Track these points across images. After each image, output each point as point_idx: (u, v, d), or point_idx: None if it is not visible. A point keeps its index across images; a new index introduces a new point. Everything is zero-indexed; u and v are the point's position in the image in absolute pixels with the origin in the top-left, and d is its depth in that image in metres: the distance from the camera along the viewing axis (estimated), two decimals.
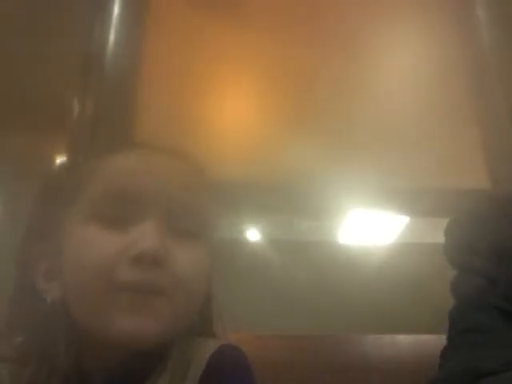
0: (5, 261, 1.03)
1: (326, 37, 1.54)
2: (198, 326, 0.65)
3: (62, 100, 1.52)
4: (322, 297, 1.52)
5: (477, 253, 0.70)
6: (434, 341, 0.76)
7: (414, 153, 1.42)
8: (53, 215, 0.62)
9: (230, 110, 1.45)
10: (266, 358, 0.96)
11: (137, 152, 0.65)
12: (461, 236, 0.73)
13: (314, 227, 2.42)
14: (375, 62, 1.52)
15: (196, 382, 0.60)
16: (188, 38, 1.49)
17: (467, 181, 1.40)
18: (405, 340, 1.01)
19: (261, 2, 1.59)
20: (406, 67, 1.53)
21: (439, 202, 1.38)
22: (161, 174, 0.62)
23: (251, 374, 0.63)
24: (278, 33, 1.53)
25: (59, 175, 0.70)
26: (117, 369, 0.59)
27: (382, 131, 1.43)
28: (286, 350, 1.02)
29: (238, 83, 1.48)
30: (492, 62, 1.51)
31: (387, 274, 1.23)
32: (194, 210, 0.62)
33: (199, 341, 0.64)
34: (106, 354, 0.59)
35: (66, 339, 0.57)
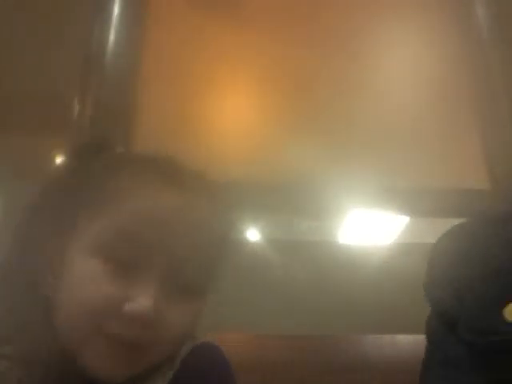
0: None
1: (326, 37, 1.54)
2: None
3: (62, 100, 1.52)
4: (322, 297, 1.52)
5: (443, 288, 0.70)
6: None
7: (414, 153, 1.42)
8: (61, 234, 0.61)
9: (230, 110, 1.45)
10: (266, 357, 0.96)
11: (159, 192, 0.60)
12: (439, 269, 0.72)
13: (313, 227, 2.42)
14: (375, 61, 1.52)
15: (167, 380, 0.60)
16: (188, 38, 1.49)
17: (467, 181, 1.40)
18: (405, 340, 1.01)
19: (261, 2, 1.59)
20: (405, 67, 1.53)
21: (439, 202, 1.38)
22: (179, 227, 0.59)
23: (227, 372, 0.64)
24: (277, 33, 1.53)
25: (63, 179, 0.67)
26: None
27: (382, 131, 1.43)
28: (286, 350, 1.02)
29: (238, 83, 1.48)
30: (492, 61, 1.51)
31: (387, 274, 1.24)
32: (201, 271, 0.61)
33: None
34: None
35: (52, 341, 0.58)
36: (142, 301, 0.56)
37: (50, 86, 1.92)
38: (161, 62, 1.45)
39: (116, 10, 1.45)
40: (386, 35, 1.55)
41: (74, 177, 0.65)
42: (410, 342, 0.98)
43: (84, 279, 0.57)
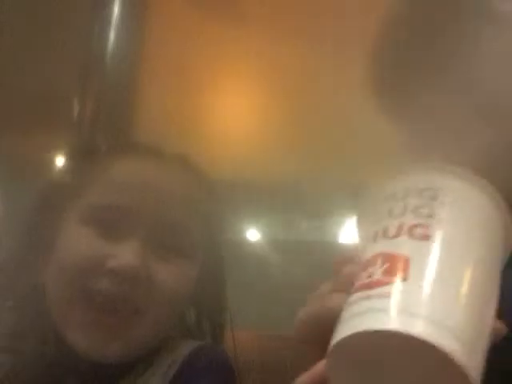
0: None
1: (326, 36, 1.54)
2: (193, 329, 0.66)
3: (62, 100, 1.52)
4: None
5: None
6: None
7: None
8: (55, 214, 0.63)
9: (230, 110, 1.45)
10: (266, 357, 0.96)
11: (133, 162, 0.65)
12: None
13: (313, 227, 2.42)
14: None
15: (167, 379, 0.59)
16: (188, 38, 1.50)
17: None
18: None
19: (261, 2, 1.59)
20: None
21: None
22: (154, 191, 0.61)
23: (228, 374, 0.62)
24: (278, 32, 1.53)
25: (62, 178, 0.71)
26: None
27: (383, 131, 1.43)
28: (286, 350, 1.02)
29: (238, 83, 1.48)
30: None
31: None
32: (183, 231, 0.61)
33: (184, 342, 0.64)
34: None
35: (46, 326, 0.58)
36: (125, 255, 0.56)
37: (50, 86, 1.92)
38: (161, 62, 1.45)
39: (116, 9, 1.46)
40: None
41: (68, 175, 0.70)
42: None
43: (69, 243, 0.59)
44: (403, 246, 0.26)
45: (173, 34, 1.49)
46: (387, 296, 0.25)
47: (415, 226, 0.27)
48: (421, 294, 0.25)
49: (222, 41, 1.49)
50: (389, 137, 1.44)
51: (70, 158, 0.74)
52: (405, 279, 0.25)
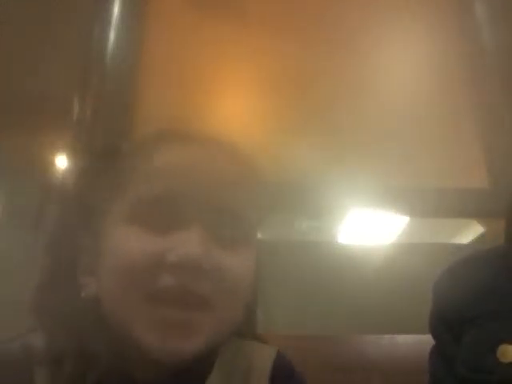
0: (4, 259, 1.03)
1: (326, 36, 1.54)
2: (244, 328, 0.62)
3: (62, 100, 1.52)
4: (322, 297, 1.52)
5: (442, 325, 0.70)
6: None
7: (414, 153, 1.42)
8: (94, 210, 0.58)
9: (230, 110, 1.44)
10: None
11: (183, 147, 0.58)
12: (439, 306, 0.73)
13: (313, 227, 2.42)
14: (376, 62, 1.52)
15: None
16: (188, 37, 1.49)
17: (467, 181, 1.40)
18: (405, 340, 1.01)
19: (261, 1, 1.59)
20: (406, 67, 1.53)
21: (439, 201, 1.38)
22: (210, 177, 0.56)
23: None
24: (278, 32, 1.53)
25: (100, 169, 0.62)
26: (166, 377, 0.55)
27: (382, 131, 1.43)
28: (286, 350, 1.02)
29: (238, 83, 1.48)
30: (492, 60, 1.51)
31: (387, 274, 1.24)
32: (242, 217, 0.57)
33: (251, 345, 0.61)
34: (147, 362, 0.54)
35: (105, 339, 0.53)
36: (184, 246, 0.52)
37: (50, 86, 1.92)
38: (161, 62, 1.45)
39: (116, 10, 1.45)
40: (386, 35, 1.55)
41: (100, 169, 0.63)
42: (410, 342, 0.98)
43: (124, 246, 0.54)
44: None
45: (173, 33, 1.49)
46: None
47: None
48: None
49: (222, 41, 1.49)
50: (388, 137, 1.43)
51: (92, 159, 0.69)
52: None
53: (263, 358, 0.59)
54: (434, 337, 0.72)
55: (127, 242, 0.54)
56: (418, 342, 0.75)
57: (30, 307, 0.58)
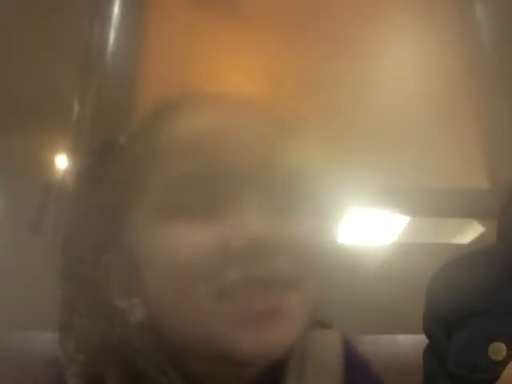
0: (4, 260, 1.03)
1: (326, 36, 1.54)
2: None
3: (62, 100, 1.52)
4: (321, 297, 1.51)
5: (434, 323, 0.71)
6: None
7: (414, 153, 1.42)
8: (110, 212, 0.48)
9: None
10: None
11: (213, 111, 0.48)
12: (431, 303, 0.73)
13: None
14: (375, 61, 1.52)
15: (339, 379, 0.49)
16: (188, 37, 1.49)
17: (467, 181, 1.40)
18: (405, 340, 1.00)
19: (261, 1, 1.59)
20: (406, 67, 1.53)
21: (439, 201, 1.38)
22: (253, 136, 0.46)
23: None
24: (278, 32, 1.53)
25: (108, 158, 0.52)
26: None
27: (382, 131, 1.43)
28: None
29: (238, 83, 1.48)
30: (492, 61, 1.51)
31: (387, 274, 1.23)
32: (297, 175, 0.48)
33: (317, 333, 0.53)
34: (223, 372, 0.46)
35: (172, 365, 0.44)
36: (251, 224, 0.43)
37: (50, 86, 1.92)
38: (161, 62, 1.45)
39: (116, 10, 1.45)
40: (386, 35, 1.55)
41: (103, 168, 0.52)
42: (410, 342, 0.98)
43: (173, 244, 0.44)
44: None
45: (173, 33, 1.49)
46: None
47: None
48: None
49: (222, 41, 1.49)
50: (388, 137, 1.43)
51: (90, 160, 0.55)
52: None
53: (332, 349, 0.51)
54: (428, 336, 0.72)
55: (176, 240, 0.44)
56: (417, 342, 0.75)
57: (64, 350, 0.48)
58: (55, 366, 0.48)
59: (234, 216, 0.43)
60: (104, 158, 0.52)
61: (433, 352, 0.71)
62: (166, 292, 0.44)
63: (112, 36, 1.42)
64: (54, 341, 0.50)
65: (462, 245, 1.53)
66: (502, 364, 0.57)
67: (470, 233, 1.91)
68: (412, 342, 0.94)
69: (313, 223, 0.48)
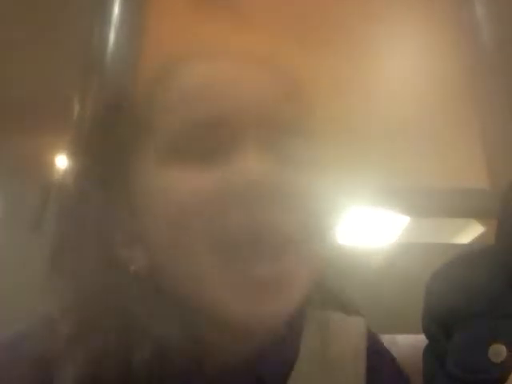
0: (4, 260, 1.03)
1: (326, 37, 1.54)
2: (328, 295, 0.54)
3: (61, 100, 1.52)
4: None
5: (434, 323, 0.71)
6: None
7: (414, 153, 1.42)
8: (117, 161, 0.48)
9: None
10: None
11: (218, 62, 0.49)
12: (430, 303, 0.73)
13: None
14: (376, 62, 1.51)
15: (361, 370, 0.48)
16: (188, 37, 1.49)
17: (467, 181, 1.40)
18: (405, 340, 1.00)
19: (262, 1, 1.59)
20: (405, 67, 1.53)
21: (439, 201, 1.38)
22: (255, 90, 0.47)
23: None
24: (278, 32, 1.53)
25: (116, 108, 0.53)
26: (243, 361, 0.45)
27: (381, 131, 1.43)
28: None
29: None
30: (492, 61, 1.51)
31: (387, 274, 1.24)
32: (298, 130, 0.48)
33: (338, 322, 0.51)
34: (226, 338, 0.44)
35: (170, 317, 0.43)
36: (253, 167, 0.42)
37: (50, 86, 1.92)
38: (161, 62, 1.45)
39: (116, 9, 1.45)
40: (386, 35, 1.54)
41: (111, 118, 0.53)
42: (410, 342, 0.97)
43: (175, 187, 0.43)
44: None
45: (173, 33, 1.49)
46: None
47: None
48: None
49: (223, 41, 1.49)
50: (388, 137, 1.43)
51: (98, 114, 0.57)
52: None
53: (354, 346, 0.50)
54: (427, 336, 0.72)
55: (176, 184, 0.43)
56: (417, 342, 0.75)
57: (56, 296, 0.47)
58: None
59: (234, 161, 0.43)
60: (114, 111, 0.53)
61: (432, 352, 0.70)
62: (165, 240, 0.44)
63: (112, 36, 1.42)
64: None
65: (462, 245, 1.53)
66: (502, 366, 0.57)
67: (470, 233, 1.91)
68: (412, 342, 0.94)
69: (318, 183, 0.47)
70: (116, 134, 0.49)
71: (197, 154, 0.44)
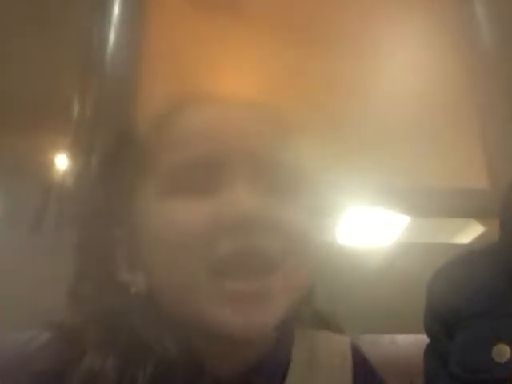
0: (4, 260, 1.03)
1: (326, 37, 1.54)
2: (311, 317, 0.59)
3: (61, 100, 1.52)
4: (321, 297, 1.51)
5: (436, 322, 0.71)
6: None
7: (414, 153, 1.42)
8: (121, 192, 0.54)
9: None
10: None
11: (214, 107, 0.55)
12: (433, 302, 0.73)
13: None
14: (376, 61, 1.51)
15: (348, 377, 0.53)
16: (188, 37, 1.49)
17: (467, 181, 1.40)
18: (405, 340, 1.00)
19: (262, 2, 1.59)
20: (405, 67, 1.53)
21: (439, 201, 1.38)
22: (248, 131, 0.52)
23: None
24: (278, 32, 1.53)
25: (123, 145, 0.58)
26: (242, 367, 0.51)
27: (382, 131, 1.43)
28: None
29: (238, 83, 1.48)
30: (492, 61, 1.51)
31: (387, 274, 1.24)
32: (286, 166, 0.53)
33: (325, 338, 0.57)
34: (221, 347, 0.50)
35: (169, 332, 0.48)
36: (242, 201, 0.48)
37: (50, 86, 1.92)
38: (161, 62, 1.45)
39: (116, 9, 1.45)
40: (386, 35, 1.55)
41: (118, 153, 0.58)
42: (410, 342, 0.97)
43: (169, 218, 0.49)
44: None
45: (173, 33, 1.49)
46: None
47: None
48: None
49: (223, 41, 1.49)
50: (388, 137, 1.43)
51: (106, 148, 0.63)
52: None
53: (337, 351, 0.55)
54: (429, 335, 0.72)
55: (175, 214, 0.49)
56: (418, 342, 0.75)
57: (70, 317, 0.52)
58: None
59: (227, 194, 0.49)
60: (120, 147, 0.58)
61: (434, 351, 0.70)
62: (162, 264, 0.49)
63: (112, 36, 1.42)
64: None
65: (462, 245, 1.53)
66: (505, 366, 0.57)
67: (470, 233, 1.91)
68: (412, 342, 0.94)
69: (302, 211, 0.52)
70: (122, 170, 0.55)
71: (193, 187, 0.49)
